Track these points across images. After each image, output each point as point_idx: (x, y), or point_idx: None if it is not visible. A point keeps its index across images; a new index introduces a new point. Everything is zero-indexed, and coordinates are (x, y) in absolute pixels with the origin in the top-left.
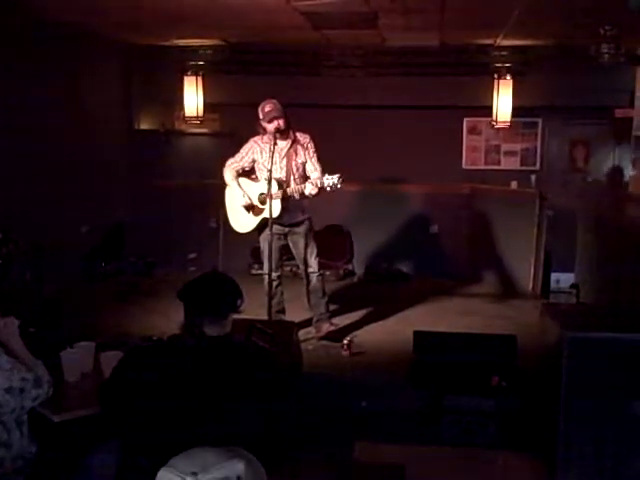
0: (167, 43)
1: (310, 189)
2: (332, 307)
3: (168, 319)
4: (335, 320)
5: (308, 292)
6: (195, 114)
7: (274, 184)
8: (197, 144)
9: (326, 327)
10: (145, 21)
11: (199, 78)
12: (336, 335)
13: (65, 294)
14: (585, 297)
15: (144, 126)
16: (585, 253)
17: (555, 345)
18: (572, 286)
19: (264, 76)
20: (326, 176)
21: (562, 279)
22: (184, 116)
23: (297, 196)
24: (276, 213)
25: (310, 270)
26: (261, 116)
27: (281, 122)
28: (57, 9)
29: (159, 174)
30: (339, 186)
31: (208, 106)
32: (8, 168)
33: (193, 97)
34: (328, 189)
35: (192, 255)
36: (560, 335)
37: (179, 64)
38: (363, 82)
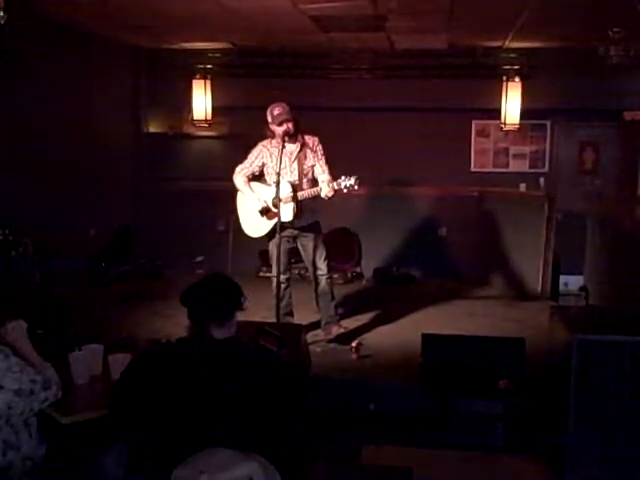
0: (176, 47)
1: (327, 191)
2: (340, 310)
3: (176, 321)
4: (343, 323)
5: (317, 295)
6: (203, 117)
7: (287, 187)
8: (205, 147)
9: (335, 330)
10: (154, 25)
11: (207, 81)
12: (345, 338)
13: (73, 296)
14: (594, 300)
15: (152, 129)
16: (594, 256)
17: (564, 348)
18: (581, 289)
19: (272, 79)
20: (342, 177)
21: (571, 282)
22: (192, 119)
23: (308, 198)
24: (289, 217)
25: (319, 273)
26: (270, 119)
27: (290, 125)
28: (68, 12)
29: (167, 177)
30: (356, 187)
31: (216, 109)
32: (18, 170)
33: (201, 100)
34: (345, 190)
35: (200, 258)
36: (569, 338)
37: (187, 67)
38: (371, 85)
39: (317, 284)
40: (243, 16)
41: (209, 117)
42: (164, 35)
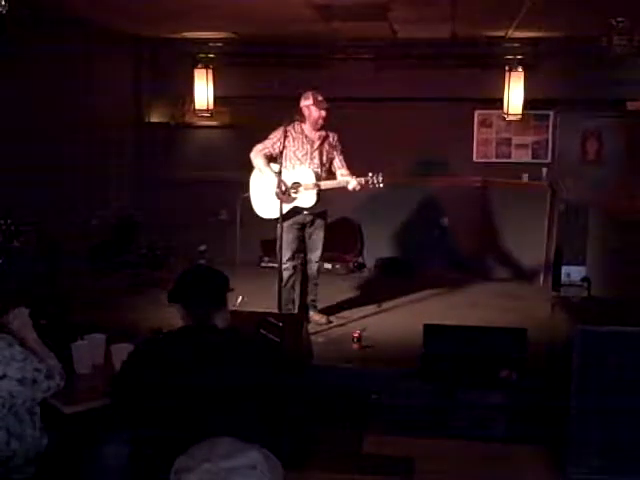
0: (178, 36)
1: (354, 184)
2: (341, 299)
3: (178, 311)
4: (345, 313)
5: (308, 278)
6: (205, 107)
7: (311, 174)
8: (207, 137)
9: (318, 317)
10: (156, 14)
11: (209, 71)
12: (346, 328)
13: (76, 286)
14: (596, 291)
15: (154, 119)
16: (597, 246)
17: (566, 338)
18: (583, 279)
19: (274, 69)
20: (370, 174)
21: (573, 272)
22: (194, 109)
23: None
24: (310, 203)
25: (316, 259)
26: (311, 101)
27: (326, 114)
28: (69, 1)
29: (169, 167)
30: (381, 185)
31: (218, 99)
32: (19, 160)
33: (203, 90)
34: (371, 186)
35: (202, 247)
36: (571, 328)
37: (189, 57)
38: (373, 75)
39: (310, 268)
40: (246, 5)
41: (211, 107)
42: (166, 24)
